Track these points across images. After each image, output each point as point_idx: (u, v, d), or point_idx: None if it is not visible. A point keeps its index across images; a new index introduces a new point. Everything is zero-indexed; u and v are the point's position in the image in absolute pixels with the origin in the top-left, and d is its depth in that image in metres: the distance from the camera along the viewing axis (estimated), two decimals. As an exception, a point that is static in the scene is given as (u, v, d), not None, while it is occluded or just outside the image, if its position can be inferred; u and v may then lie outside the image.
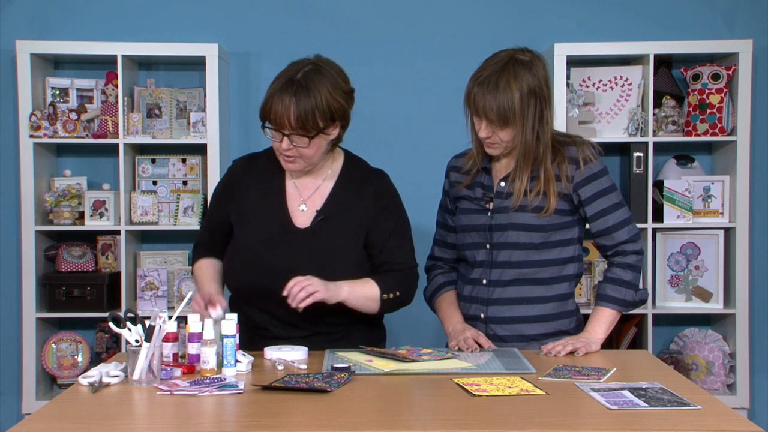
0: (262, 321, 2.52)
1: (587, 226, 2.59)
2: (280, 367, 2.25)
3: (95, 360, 3.93)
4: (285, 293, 2.35)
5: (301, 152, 2.44)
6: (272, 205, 2.54)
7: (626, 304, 2.53)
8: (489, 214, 2.55)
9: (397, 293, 2.52)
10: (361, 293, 2.47)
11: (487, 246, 2.56)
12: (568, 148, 2.52)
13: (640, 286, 2.55)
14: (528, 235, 2.50)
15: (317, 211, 2.53)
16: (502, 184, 2.55)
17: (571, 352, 2.43)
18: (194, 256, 2.70)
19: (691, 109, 3.93)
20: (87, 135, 3.89)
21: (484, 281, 2.56)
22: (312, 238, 2.50)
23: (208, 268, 2.62)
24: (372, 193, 2.57)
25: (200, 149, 3.95)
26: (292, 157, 2.45)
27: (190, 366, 2.21)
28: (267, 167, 2.58)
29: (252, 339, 2.49)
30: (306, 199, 2.55)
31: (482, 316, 2.57)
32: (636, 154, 3.88)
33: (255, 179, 2.58)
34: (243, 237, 2.54)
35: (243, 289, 2.54)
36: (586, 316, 2.59)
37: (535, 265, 2.53)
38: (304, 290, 2.34)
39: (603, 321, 2.52)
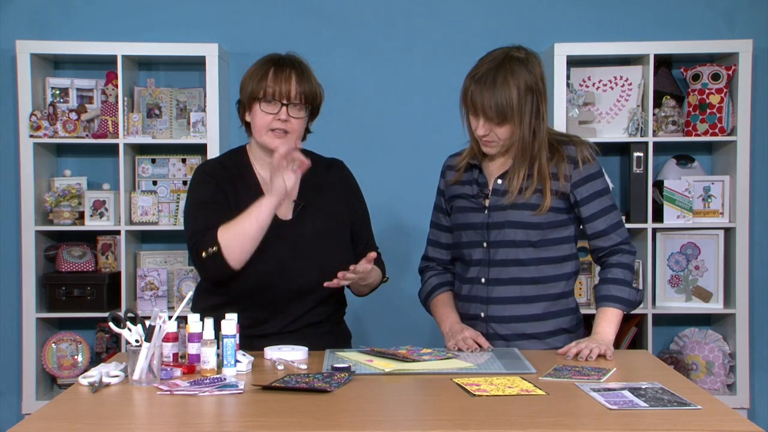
0: (264, 316, 2.53)
1: (581, 226, 2.59)
2: (280, 367, 2.25)
3: (95, 360, 3.93)
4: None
5: (292, 125, 2.50)
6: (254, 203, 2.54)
7: (630, 303, 2.52)
8: (486, 212, 2.55)
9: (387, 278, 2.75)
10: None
11: (484, 244, 2.55)
12: (567, 148, 2.53)
13: (636, 286, 2.55)
14: (525, 233, 2.50)
15: (295, 201, 2.56)
16: (499, 181, 2.55)
17: (601, 356, 2.39)
18: (211, 235, 2.41)
19: (691, 109, 3.93)
20: (87, 135, 3.89)
21: (483, 280, 2.56)
22: (300, 227, 2.54)
23: None
24: (338, 179, 2.67)
25: (200, 149, 3.95)
26: (282, 129, 2.49)
27: (190, 366, 2.21)
28: (235, 169, 2.60)
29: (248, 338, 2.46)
30: None
31: (482, 315, 2.56)
32: (636, 154, 3.88)
33: (231, 182, 2.57)
34: None
35: (249, 288, 2.50)
36: (586, 316, 2.58)
37: (533, 263, 2.52)
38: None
39: (611, 321, 2.50)
